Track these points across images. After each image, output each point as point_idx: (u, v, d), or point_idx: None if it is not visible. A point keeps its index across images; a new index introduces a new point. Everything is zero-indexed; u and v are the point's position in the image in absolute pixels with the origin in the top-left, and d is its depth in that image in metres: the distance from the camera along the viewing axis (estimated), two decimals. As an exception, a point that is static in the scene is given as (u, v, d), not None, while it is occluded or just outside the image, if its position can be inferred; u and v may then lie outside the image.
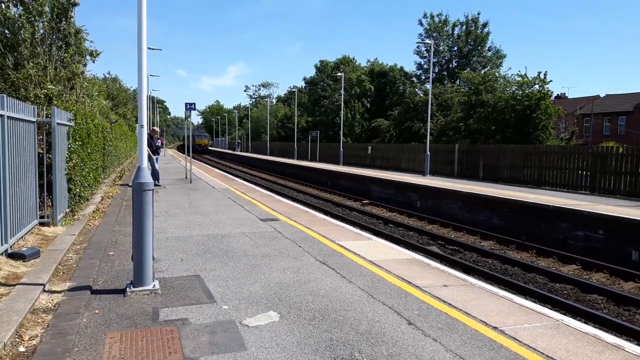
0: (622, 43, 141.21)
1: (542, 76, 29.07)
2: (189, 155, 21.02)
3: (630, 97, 47.24)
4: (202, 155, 69.73)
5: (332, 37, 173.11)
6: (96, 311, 4.89)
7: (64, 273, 6.27)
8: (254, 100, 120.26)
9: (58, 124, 8.91)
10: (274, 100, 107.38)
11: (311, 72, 79.71)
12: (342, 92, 44.49)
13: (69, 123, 9.97)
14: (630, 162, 16.57)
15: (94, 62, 15.10)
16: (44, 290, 5.40)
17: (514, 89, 32.11)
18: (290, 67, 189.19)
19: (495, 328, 4.62)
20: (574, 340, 4.40)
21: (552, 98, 33.09)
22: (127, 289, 5.40)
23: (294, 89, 73.64)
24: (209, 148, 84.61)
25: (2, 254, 6.43)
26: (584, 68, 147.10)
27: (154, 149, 17.11)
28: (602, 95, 53.67)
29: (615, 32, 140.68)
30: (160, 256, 7.02)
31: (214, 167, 37.51)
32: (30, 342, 4.19)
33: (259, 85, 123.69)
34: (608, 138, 42.92)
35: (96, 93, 18.41)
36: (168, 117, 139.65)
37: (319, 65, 71.85)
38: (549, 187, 19.71)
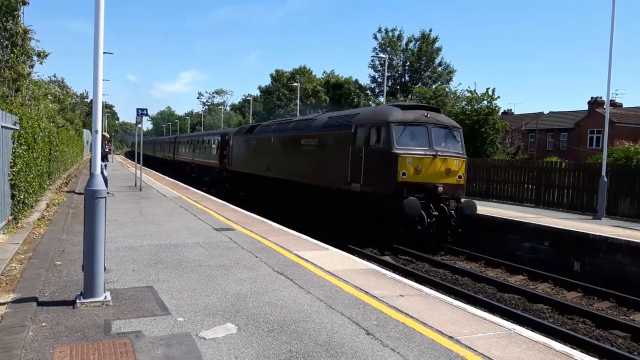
0: (564, 64, 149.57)
1: (490, 92, 30.18)
2: (139, 163, 20.51)
3: (571, 114, 49.61)
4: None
5: (288, 49, 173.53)
6: (43, 324, 4.65)
7: (7, 284, 5.94)
8: (207, 107, 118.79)
9: (2, 127, 8.49)
10: (228, 108, 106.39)
11: (267, 81, 78.78)
12: (298, 102, 44.65)
13: (13, 126, 9.52)
14: (572, 176, 17.39)
15: (41, 63, 14.57)
16: (-15, 303, 5.11)
17: (463, 104, 33.14)
18: (245, 76, 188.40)
19: (451, 337, 4.71)
20: (526, 348, 4.55)
21: (500, 114, 34.34)
22: (77, 301, 5.17)
23: (249, 97, 73.06)
24: None
25: (-62, 263, 6.04)
26: (529, 86, 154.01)
27: (103, 155, 16.60)
28: (545, 112, 56.13)
29: (558, 54, 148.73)
30: (111, 266, 6.77)
31: (164, 175, 36.63)
32: (-30, 358, 3.94)
33: (213, 93, 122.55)
34: (551, 153, 44.85)
35: (44, 95, 17.67)
36: (116, 122, 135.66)
37: (274, 74, 71.81)
38: (496, 199, 20.37)
